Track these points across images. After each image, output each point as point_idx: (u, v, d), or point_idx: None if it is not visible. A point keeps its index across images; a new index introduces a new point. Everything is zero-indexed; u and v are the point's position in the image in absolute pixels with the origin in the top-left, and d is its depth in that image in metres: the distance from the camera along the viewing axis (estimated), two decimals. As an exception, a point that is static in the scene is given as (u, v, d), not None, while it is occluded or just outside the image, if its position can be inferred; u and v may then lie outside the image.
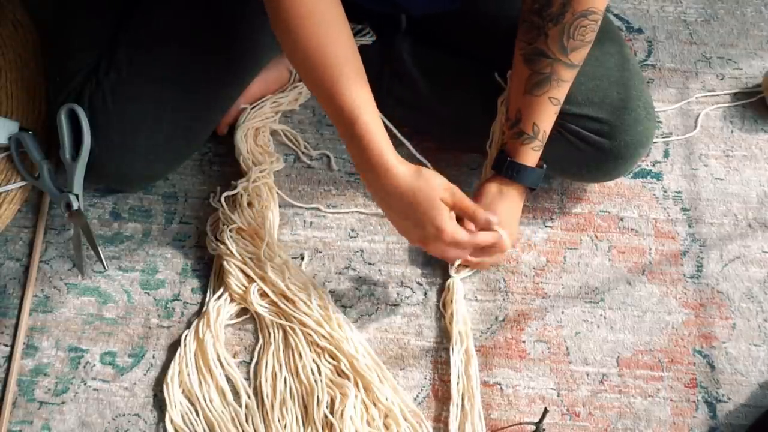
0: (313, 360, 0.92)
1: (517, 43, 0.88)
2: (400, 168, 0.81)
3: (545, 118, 0.89)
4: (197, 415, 0.90)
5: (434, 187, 0.82)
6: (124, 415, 0.92)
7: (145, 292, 1.00)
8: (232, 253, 0.97)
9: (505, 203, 0.93)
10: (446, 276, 0.99)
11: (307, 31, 0.79)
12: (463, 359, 0.93)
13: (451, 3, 1.00)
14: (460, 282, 0.98)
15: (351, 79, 0.80)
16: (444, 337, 0.96)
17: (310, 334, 0.93)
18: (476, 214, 0.85)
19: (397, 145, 1.06)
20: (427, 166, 1.04)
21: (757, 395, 0.93)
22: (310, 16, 0.79)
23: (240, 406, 0.90)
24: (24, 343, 0.96)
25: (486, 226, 0.86)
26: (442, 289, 0.99)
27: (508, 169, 0.91)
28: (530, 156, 0.91)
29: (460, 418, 0.90)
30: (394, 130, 1.02)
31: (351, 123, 0.80)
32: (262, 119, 1.08)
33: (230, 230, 0.98)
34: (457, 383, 0.91)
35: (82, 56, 0.97)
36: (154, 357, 0.96)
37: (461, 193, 0.85)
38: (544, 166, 0.93)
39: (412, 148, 1.04)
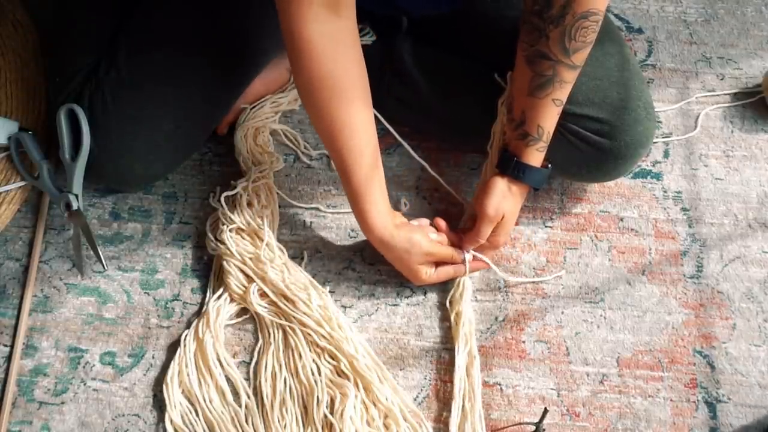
0: (313, 360, 0.92)
1: (519, 45, 0.88)
2: (386, 238, 0.91)
3: (549, 120, 0.89)
4: (197, 415, 0.90)
5: (413, 259, 0.93)
6: (123, 415, 0.92)
7: (145, 292, 1.00)
8: (231, 253, 0.97)
9: (512, 201, 0.93)
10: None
11: (321, 94, 0.84)
12: (467, 360, 0.93)
13: (450, 5, 1.00)
14: (470, 281, 0.98)
15: (355, 151, 0.87)
16: (444, 337, 0.96)
17: (310, 334, 0.93)
18: (455, 258, 0.96)
19: (396, 145, 1.06)
20: (425, 168, 1.04)
21: (757, 395, 0.93)
22: (326, 80, 0.83)
23: (240, 406, 0.90)
24: (24, 343, 0.96)
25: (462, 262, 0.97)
26: (442, 289, 0.99)
27: (515, 170, 0.92)
28: (535, 157, 0.91)
29: (460, 418, 0.90)
30: (393, 132, 1.02)
31: (344, 182, 0.89)
32: (262, 119, 1.08)
33: (230, 230, 0.98)
34: (459, 384, 0.91)
35: (82, 56, 0.97)
36: (153, 357, 0.95)
37: (438, 248, 0.95)
38: (549, 166, 0.93)
39: (410, 150, 1.04)
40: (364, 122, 0.87)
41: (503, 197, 0.92)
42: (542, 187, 0.95)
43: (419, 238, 0.93)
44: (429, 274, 0.95)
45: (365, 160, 0.88)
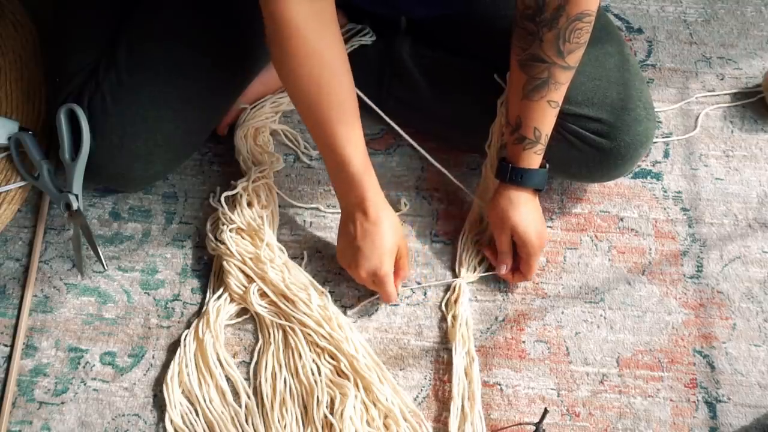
0: (313, 360, 0.92)
1: (513, 50, 0.88)
2: (381, 212, 0.90)
3: (546, 122, 0.89)
4: (197, 415, 0.90)
5: (397, 239, 0.92)
6: (123, 415, 0.92)
7: (145, 292, 1.00)
8: (232, 253, 0.97)
9: (518, 210, 0.93)
10: (447, 276, 0.99)
11: (305, 71, 0.83)
12: (465, 361, 0.93)
13: (448, 6, 1.00)
14: (466, 285, 0.98)
15: (345, 122, 0.86)
16: (444, 337, 0.96)
17: (310, 334, 0.93)
18: (400, 275, 0.97)
19: (396, 145, 1.06)
20: (432, 164, 1.04)
21: (757, 395, 0.93)
22: (311, 57, 0.82)
23: (240, 406, 0.90)
24: (24, 343, 0.96)
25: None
26: (444, 290, 0.99)
27: (512, 176, 0.92)
28: (533, 159, 0.91)
29: (460, 418, 0.90)
30: (399, 129, 1.02)
31: (342, 164, 0.87)
32: (262, 119, 1.08)
33: (230, 230, 0.98)
34: (458, 384, 0.91)
35: (81, 57, 0.97)
36: (153, 357, 0.96)
37: (406, 255, 0.96)
38: (547, 165, 0.93)
39: (418, 147, 1.03)
40: (353, 95, 0.87)
41: (506, 210, 0.93)
42: (544, 188, 0.95)
43: (404, 240, 0.95)
44: (368, 277, 0.92)
45: (356, 137, 0.87)
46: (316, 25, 0.81)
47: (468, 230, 1.02)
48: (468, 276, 0.99)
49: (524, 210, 0.93)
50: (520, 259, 0.96)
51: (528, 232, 0.93)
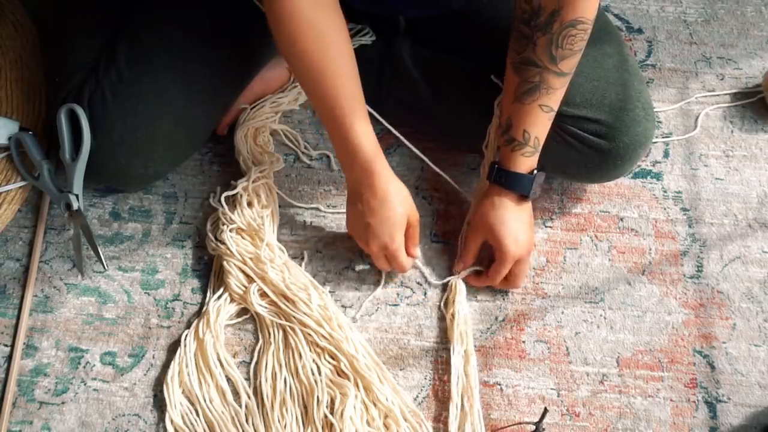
0: (313, 360, 0.92)
1: (509, 54, 0.88)
2: (388, 186, 0.89)
3: (536, 125, 0.88)
4: (197, 415, 0.90)
5: (406, 210, 0.91)
6: (124, 415, 0.92)
7: (145, 292, 1.00)
8: (232, 253, 0.97)
9: (498, 213, 0.92)
10: (447, 276, 0.99)
11: (307, 42, 0.83)
12: (463, 359, 0.93)
13: (438, 7, 1.00)
14: (462, 283, 0.98)
15: (347, 89, 0.86)
16: (444, 336, 0.96)
17: (310, 334, 0.93)
18: (412, 243, 0.96)
19: (397, 145, 1.06)
20: (428, 164, 1.04)
21: (757, 395, 0.93)
22: (311, 27, 0.82)
23: (240, 406, 0.91)
24: (24, 343, 0.96)
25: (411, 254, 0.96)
26: (443, 289, 0.99)
27: (496, 177, 0.92)
28: (521, 163, 0.91)
29: (459, 418, 0.90)
30: (394, 131, 1.02)
31: (345, 130, 0.86)
32: (262, 119, 1.08)
33: (230, 230, 0.98)
34: (457, 383, 0.91)
35: (81, 56, 0.97)
36: (154, 357, 0.96)
37: (417, 223, 0.95)
38: (535, 172, 0.92)
39: (413, 148, 1.04)
40: (351, 65, 0.86)
41: (487, 211, 0.93)
42: (533, 195, 0.93)
43: (413, 209, 0.93)
44: (379, 251, 0.93)
45: (357, 102, 0.86)
46: (314, 3, 0.82)
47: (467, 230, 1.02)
48: (460, 273, 0.99)
49: (505, 213, 0.93)
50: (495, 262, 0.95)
51: (503, 236, 0.92)
